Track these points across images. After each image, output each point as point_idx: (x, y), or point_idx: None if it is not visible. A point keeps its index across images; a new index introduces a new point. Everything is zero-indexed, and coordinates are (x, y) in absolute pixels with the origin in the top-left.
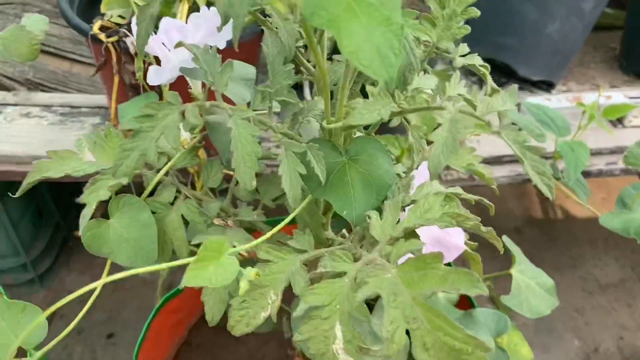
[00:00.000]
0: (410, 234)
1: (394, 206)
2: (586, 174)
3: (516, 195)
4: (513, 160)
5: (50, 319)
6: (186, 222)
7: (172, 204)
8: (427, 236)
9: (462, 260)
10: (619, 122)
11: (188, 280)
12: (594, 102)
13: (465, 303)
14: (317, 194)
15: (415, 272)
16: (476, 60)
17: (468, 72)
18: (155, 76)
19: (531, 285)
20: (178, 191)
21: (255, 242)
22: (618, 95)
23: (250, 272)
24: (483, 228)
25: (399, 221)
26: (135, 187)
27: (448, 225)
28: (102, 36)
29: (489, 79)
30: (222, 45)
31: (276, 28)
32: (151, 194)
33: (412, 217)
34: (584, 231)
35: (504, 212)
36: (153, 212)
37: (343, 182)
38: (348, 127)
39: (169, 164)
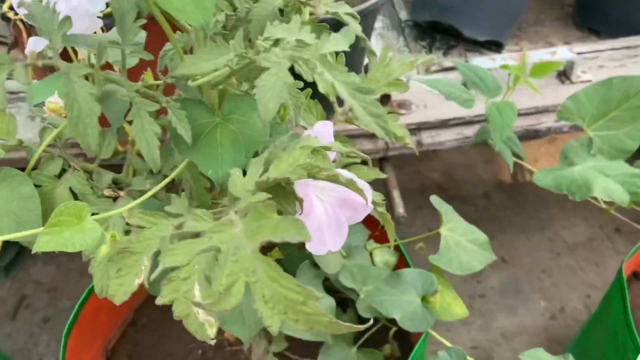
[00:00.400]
0: (274, 188)
1: (255, 162)
2: (535, 133)
3: (485, 161)
4: (460, 123)
5: (16, 308)
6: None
7: (61, 176)
8: (332, 197)
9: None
10: (566, 78)
11: (39, 246)
12: (520, 63)
13: (403, 266)
14: (185, 155)
15: (254, 223)
16: (341, 9)
17: (419, 36)
18: (35, 46)
19: (462, 243)
20: (69, 164)
21: (126, 206)
22: (564, 52)
23: (110, 235)
24: (343, 179)
25: None
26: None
27: (300, 176)
28: (10, 14)
29: (356, 26)
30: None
31: None
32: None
33: (271, 172)
34: (553, 193)
35: (472, 177)
36: (38, 186)
37: (212, 141)
38: (215, 86)
39: (52, 134)
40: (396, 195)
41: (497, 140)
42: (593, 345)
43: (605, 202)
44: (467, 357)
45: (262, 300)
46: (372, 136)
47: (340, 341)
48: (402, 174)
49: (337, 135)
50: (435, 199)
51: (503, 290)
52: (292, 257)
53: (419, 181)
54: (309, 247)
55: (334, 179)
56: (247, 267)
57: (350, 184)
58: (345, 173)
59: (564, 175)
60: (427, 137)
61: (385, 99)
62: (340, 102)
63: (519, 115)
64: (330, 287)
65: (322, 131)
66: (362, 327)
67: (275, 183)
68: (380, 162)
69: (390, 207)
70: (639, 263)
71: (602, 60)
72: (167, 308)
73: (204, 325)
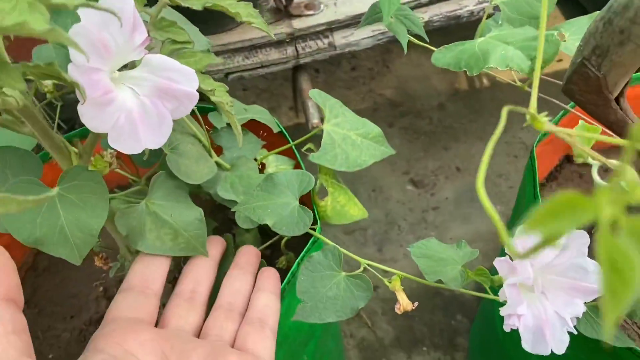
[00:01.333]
0: None
1: None
2: (457, 19)
3: (440, 72)
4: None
5: None
6: None
7: None
8: (147, 87)
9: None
10: None
11: None
12: None
13: None
14: None
15: None
16: None
17: None
18: None
19: (349, 137)
20: None
21: None
22: None
23: None
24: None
25: None
26: None
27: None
28: None
29: None
30: None
31: None
32: None
33: None
34: (511, 95)
35: (427, 90)
36: None
37: None
38: None
39: None
40: (311, 105)
41: (386, 15)
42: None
43: (519, 80)
44: (342, 250)
45: None
46: (278, 44)
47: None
48: (353, 95)
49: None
50: (315, 93)
51: (457, 200)
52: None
53: (371, 100)
54: (112, 143)
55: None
56: None
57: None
58: (164, 59)
59: (465, 50)
60: (340, 39)
61: (288, 1)
62: None
63: (438, 1)
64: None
65: None
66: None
67: None
68: (294, 72)
69: (305, 117)
70: (570, 147)
71: None
72: None
73: None
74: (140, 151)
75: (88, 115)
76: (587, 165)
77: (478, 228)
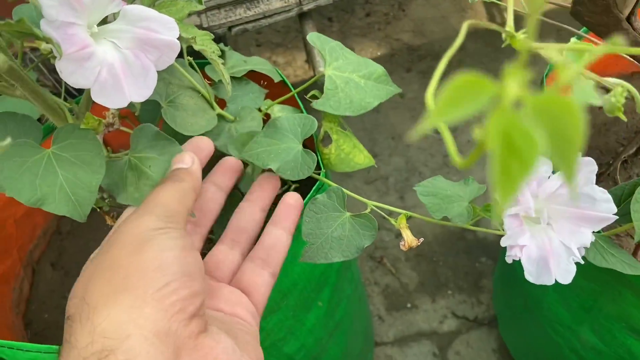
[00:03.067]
0: None
1: None
2: None
3: (459, 10)
4: None
5: None
6: None
7: None
8: (127, 39)
9: None
10: None
11: None
12: None
13: None
14: None
15: None
16: None
17: None
18: None
19: (352, 80)
20: None
21: None
22: None
23: None
24: None
25: None
26: None
27: None
28: None
29: None
30: None
31: None
32: None
33: None
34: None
35: (446, 30)
36: None
37: None
38: None
39: None
40: (316, 52)
41: None
42: None
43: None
44: (346, 192)
45: None
46: None
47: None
48: (368, 42)
49: None
50: (314, 36)
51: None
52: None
53: (387, 46)
54: (96, 98)
55: None
56: None
57: None
58: (142, 9)
59: None
60: None
61: None
62: None
63: None
64: None
65: None
66: None
67: None
68: (300, 19)
69: (312, 66)
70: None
71: None
72: (91, 214)
73: None
74: (125, 105)
75: (67, 70)
76: None
77: None
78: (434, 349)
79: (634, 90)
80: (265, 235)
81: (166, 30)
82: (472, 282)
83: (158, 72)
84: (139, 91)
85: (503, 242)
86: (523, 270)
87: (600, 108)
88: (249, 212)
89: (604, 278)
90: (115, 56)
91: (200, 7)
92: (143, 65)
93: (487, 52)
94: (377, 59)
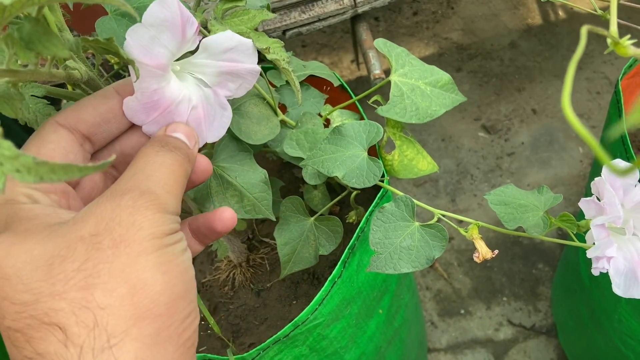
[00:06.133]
0: None
1: None
2: None
3: (510, 7)
4: None
5: None
6: None
7: None
8: (212, 74)
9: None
10: None
11: None
12: None
13: None
14: None
15: None
16: None
17: None
18: None
19: (418, 87)
20: None
21: None
22: None
23: None
24: None
25: None
26: None
27: None
28: None
29: None
30: None
31: None
32: None
33: None
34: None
35: (497, 28)
36: None
37: None
38: None
39: None
40: (372, 55)
41: None
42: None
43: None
44: (416, 202)
45: None
46: None
47: (298, 214)
48: (416, 41)
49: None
50: (380, 42)
51: (534, 144)
52: None
53: (436, 45)
54: None
55: None
56: None
57: None
58: (220, 39)
59: None
60: None
61: None
62: None
63: None
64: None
65: None
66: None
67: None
68: (353, 22)
69: (367, 69)
70: None
71: None
72: None
73: None
74: (202, 145)
75: (152, 131)
76: None
77: (558, 172)
78: (489, 357)
79: None
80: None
81: (248, 58)
82: (529, 289)
83: None
84: (214, 132)
85: (590, 254)
86: (588, 278)
87: None
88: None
89: None
90: (199, 97)
91: (272, 16)
92: (221, 104)
93: (541, 51)
94: (425, 59)
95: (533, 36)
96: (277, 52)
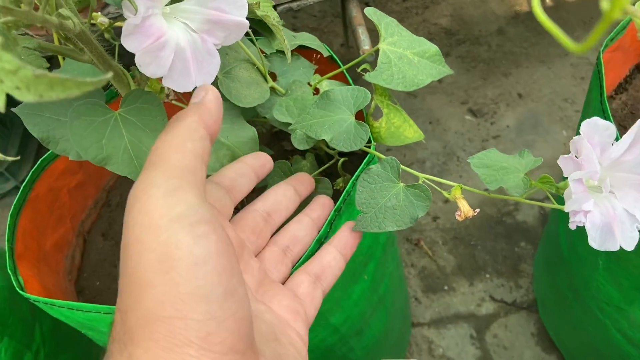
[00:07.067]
0: None
1: None
2: None
3: None
4: None
5: None
6: None
7: None
8: (199, 20)
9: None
10: None
11: None
12: None
13: None
14: None
15: None
16: None
17: None
18: None
19: (406, 56)
20: None
21: None
22: None
23: None
24: None
25: None
26: None
27: None
28: None
29: None
30: None
31: None
32: None
33: None
34: (577, 14)
35: (485, 14)
36: None
37: None
38: None
39: None
40: (361, 31)
41: None
42: None
43: None
44: (402, 167)
45: None
46: None
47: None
48: (406, 26)
49: None
50: (371, 11)
51: (519, 127)
52: None
53: (425, 30)
54: (166, 82)
55: None
56: None
57: None
58: None
59: None
60: None
61: None
62: None
63: None
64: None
65: None
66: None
67: None
68: (343, 3)
69: (356, 45)
70: None
71: None
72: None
73: None
74: (191, 89)
75: (145, 63)
76: None
77: (542, 155)
78: (471, 332)
79: None
80: (323, 252)
81: (236, 10)
82: (511, 266)
83: None
84: (203, 77)
85: (567, 208)
86: (567, 250)
87: None
88: (307, 226)
89: None
90: (186, 40)
91: None
92: (209, 51)
93: (528, 37)
94: None
95: (520, 22)
96: (267, 10)
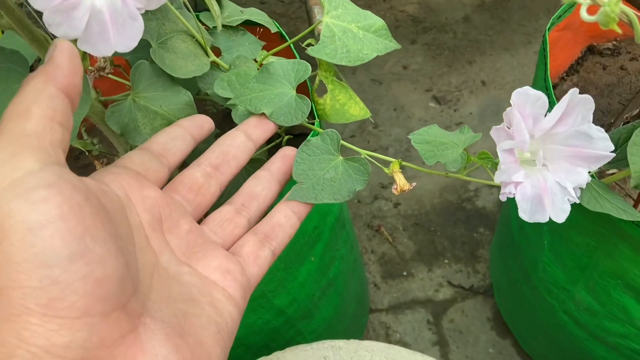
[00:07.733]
0: None
1: None
2: None
3: None
4: None
5: None
6: None
7: None
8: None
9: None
10: None
11: None
12: None
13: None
14: None
15: None
16: None
17: None
18: None
19: (350, 30)
20: None
21: None
22: None
23: None
24: None
25: None
26: None
27: None
28: None
29: None
30: None
31: None
32: None
33: None
34: (541, 3)
35: (451, 2)
36: None
37: None
38: None
39: None
40: (317, 11)
41: None
42: None
43: None
44: (343, 142)
45: None
46: None
47: None
48: (373, 13)
49: None
50: None
51: (482, 114)
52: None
53: (392, 17)
54: (81, 46)
55: None
56: None
57: None
58: None
59: None
60: None
61: None
62: None
63: None
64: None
65: None
66: None
67: None
68: None
69: (309, 24)
70: (595, 34)
71: None
72: (82, 158)
73: None
74: (110, 54)
75: (54, 23)
76: (612, 56)
77: None
78: (428, 317)
79: (631, 13)
80: (275, 212)
81: None
82: (469, 251)
83: (151, 12)
84: (124, 41)
85: (497, 178)
86: (517, 232)
87: (604, 68)
88: (265, 180)
89: (600, 232)
90: (103, 2)
91: None
92: (130, 14)
93: (493, 25)
94: None
95: (486, 10)
96: None
